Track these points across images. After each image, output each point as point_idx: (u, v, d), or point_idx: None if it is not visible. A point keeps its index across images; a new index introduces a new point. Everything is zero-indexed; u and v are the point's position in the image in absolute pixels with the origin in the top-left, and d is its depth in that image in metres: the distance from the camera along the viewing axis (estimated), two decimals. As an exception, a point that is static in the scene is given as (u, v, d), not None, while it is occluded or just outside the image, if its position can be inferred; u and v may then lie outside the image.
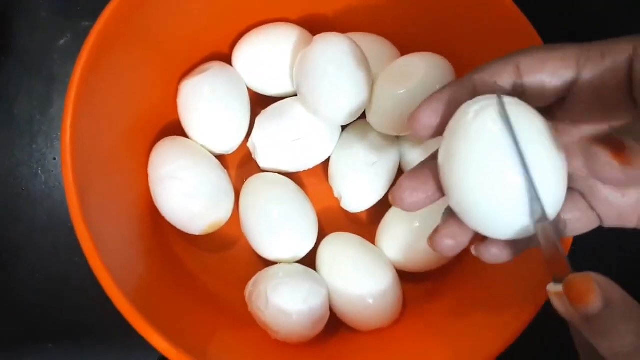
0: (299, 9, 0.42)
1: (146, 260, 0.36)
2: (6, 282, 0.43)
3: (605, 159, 0.20)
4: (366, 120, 0.42)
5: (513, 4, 0.36)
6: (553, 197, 0.23)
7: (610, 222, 0.26)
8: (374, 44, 0.42)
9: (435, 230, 0.27)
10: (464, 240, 0.26)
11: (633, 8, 0.46)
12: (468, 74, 0.25)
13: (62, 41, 0.46)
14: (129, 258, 0.34)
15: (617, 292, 0.22)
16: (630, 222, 0.26)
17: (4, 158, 0.44)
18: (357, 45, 0.38)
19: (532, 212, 0.23)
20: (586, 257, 0.33)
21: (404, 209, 0.27)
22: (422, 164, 0.27)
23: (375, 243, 0.41)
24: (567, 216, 0.26)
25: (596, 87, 0.24)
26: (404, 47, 0.43)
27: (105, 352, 0.42)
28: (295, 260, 0.40)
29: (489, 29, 0.37)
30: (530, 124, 0.23)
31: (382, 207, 0.42)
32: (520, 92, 0.25)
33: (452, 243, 0.26)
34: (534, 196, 0.22)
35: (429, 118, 0.25)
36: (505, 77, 0.24)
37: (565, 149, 0.24)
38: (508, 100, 0.23)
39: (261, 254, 0.40)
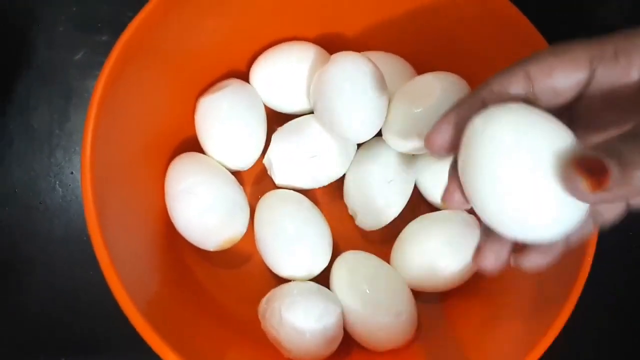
0: (316, 28, 0.42)
1: (160, 276, 0.36)
2: (21, 294, 0.43)
3: (580, 184, 0.20)
4: (382, 138, 0.42)
5: (529, 23, 0.36)
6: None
7: (638, 202, 0.26)
8: (390, 63, 0.42)
9: (477, 250, 0.27)
10: (505, 255, 0.26)
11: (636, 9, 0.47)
12: (476, 89, 0.25)
13: (78, 56, 0.46)
14: (144, 273, 0.34)
15: None
16: None
17: (22, 171, 0.45)
18: (374, 64, 0.38)
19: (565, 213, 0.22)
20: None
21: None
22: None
23: (390, 262, 0.41)
24: (603, 209, 0.26)
25: (610, 88, 0.24)
26: (421, 66, 0.43)
27: (119, 364, 0.42)
28: (309, 278, 0.39)
29: (505, 47, 0.37)
30: (542, 128, 0.22)
31: (397, 225, 0.41)
32: (533, 100, 0.24)
33: (494, 260, 0.26)
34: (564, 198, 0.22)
35: (442, 139, 0.25)
36: (514, 86, 0.24)
37: None
38: (516, 106, 0.23)
39: (276, 271, 0.39)
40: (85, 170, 0.30)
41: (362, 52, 0.39)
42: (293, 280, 0.39)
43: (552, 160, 0.22)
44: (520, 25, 0.36)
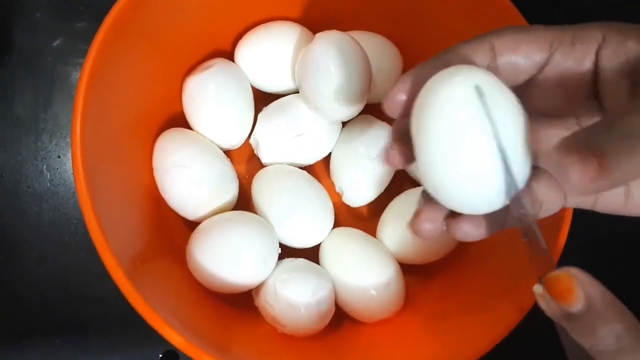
0: (300, 7, 0.42)
1: (153, 252, 0.35)
2: (13, 277, 0.42)
3: (576, 173, 0.19)
4: (366, 116, 0.42)
5: (517, 11, 0.35)
6: (522, 171, 0.22)
7: (573, 201, 0.26)
8: (374, 43, 0.42)
9: (415, 215, 0.26)
10: (440, 223, 0.25)
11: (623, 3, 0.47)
12: (441, 53, 0.24)
13: (58, 42, 0.45)
14: (136, 249, 0.33)
15: (598, 290, 0.21)
16: (588, 203, 0.26)
17: (9, 156, 0.43)
18: (357, 42, 0.38)
19: (506, 185, 0.22)
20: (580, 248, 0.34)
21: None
22: None
23: (377, 236, 0.41)
24: (543, 197, 0.24)
25: (563, 73, 0.24)
26: (404, 46, 0.43)
27: (111, 346, 0.42)
28: (314, 245, 0.39)
29: (488, 29, 0.37)
30: (500, 96, 0.22)
31: (382, 201, 0.41)
32: (493, 72, 0.24)
33: (431, 227, 0.25)
34: (506, 169, 0.21)
35: (400, 97, 0.24)
36: (479, 56, 0.24)
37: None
38: (480, 71, 0.22)
39: (283, 241, 0.39)
40: (75, 149, 0.29)
41: (345, 32, 0.39)
42: (299, 248, 0.39)
43: (498, 132, 0.21)
44: (507, 11, 0.35)
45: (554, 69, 0.24)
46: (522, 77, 0.25)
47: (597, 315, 0.21)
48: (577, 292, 0.21)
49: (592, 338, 0.21)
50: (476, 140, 0.21)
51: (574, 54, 0.23)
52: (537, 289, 0.22)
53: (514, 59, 0.24)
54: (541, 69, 0.24)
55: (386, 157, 0.26)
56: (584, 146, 0.20)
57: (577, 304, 0.21)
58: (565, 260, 0.32)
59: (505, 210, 0.23)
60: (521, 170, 0.22)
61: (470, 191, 0.22)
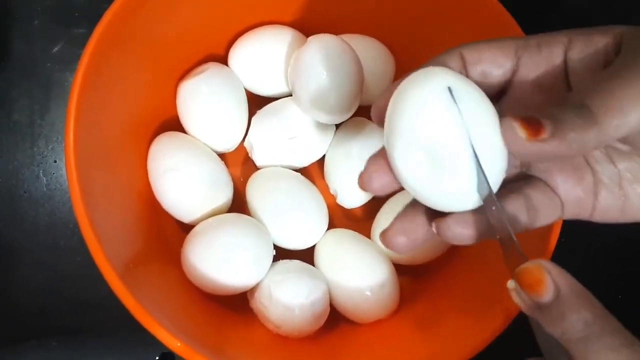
0: (293, 11, 0.42)
1: (147, 255, 0.35)
2: (10, 282, 0.42)
3: (517, 130, 0.21)
4: (359, 118, 0.42)
5: (506, 12, 0.35)
6: (494, 170, 0.22)
7: (570, 211, 0.26)
8: (366, 45, 0.42)
9: (388, 227, 0.26)
10: (417, 236, 0.25)
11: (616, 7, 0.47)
12: (422, 65, 0.24)
13: (57, 48, 0.45)
14: (131, 253, 0.33)
15: (567, 280, 0.22)
16: (585, 212, 0.26)
17: (6, 162, 0.43)
18: (349, 45, 0.38)
19: (478, 183, 0.22)
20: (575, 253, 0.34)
21: (372, 192, 0.25)
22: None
23: (371, 237, 0.41)
24: (538, 204, 0.25)
25: (535, 77, 0.25)
26: (396, 48, 0.43)
27: (107, 349, 0.42)
28: (309, 246, 0.39)
29: (481, 35, 0.37)
30: (471, 95, 0.22)
31: (377, 202, 0.41)
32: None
33: (404, 240, 0.25)
34: (479, 168, 0.22)
35: (381, 104, 0.24)
36: (453, 67, 0.24)
37: None
38: (451, 72, 0.23)
39: (278, 243, 0.39)
40: (69, 153, 0.29)
41: (338, 35, 0.39)
42: (294, 250, 0.39)
43: (467, 130, 0.22)
44: (500, 16, 0.35)
45: (526, 71, 0.25)
46: (494, 83, 0.25)
47: (566, 304, 0.21)
48: (546, 282, 0.21)
49: (562, 326, 0.21)
50: (444, 137, 0.22)
51: (540, 55, 0.24)
52: (510, 284, 0.23)
53: (482, 67, 0.25)
54: (513, 73, 0.25)
55: (361, 181, 0.25)
56: (537, 113, 0.21)
57: (547, 294, 0.21)
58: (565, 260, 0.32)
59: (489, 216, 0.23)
60: (494, 169, 0.22)
61: (442, 188, 0.23)
